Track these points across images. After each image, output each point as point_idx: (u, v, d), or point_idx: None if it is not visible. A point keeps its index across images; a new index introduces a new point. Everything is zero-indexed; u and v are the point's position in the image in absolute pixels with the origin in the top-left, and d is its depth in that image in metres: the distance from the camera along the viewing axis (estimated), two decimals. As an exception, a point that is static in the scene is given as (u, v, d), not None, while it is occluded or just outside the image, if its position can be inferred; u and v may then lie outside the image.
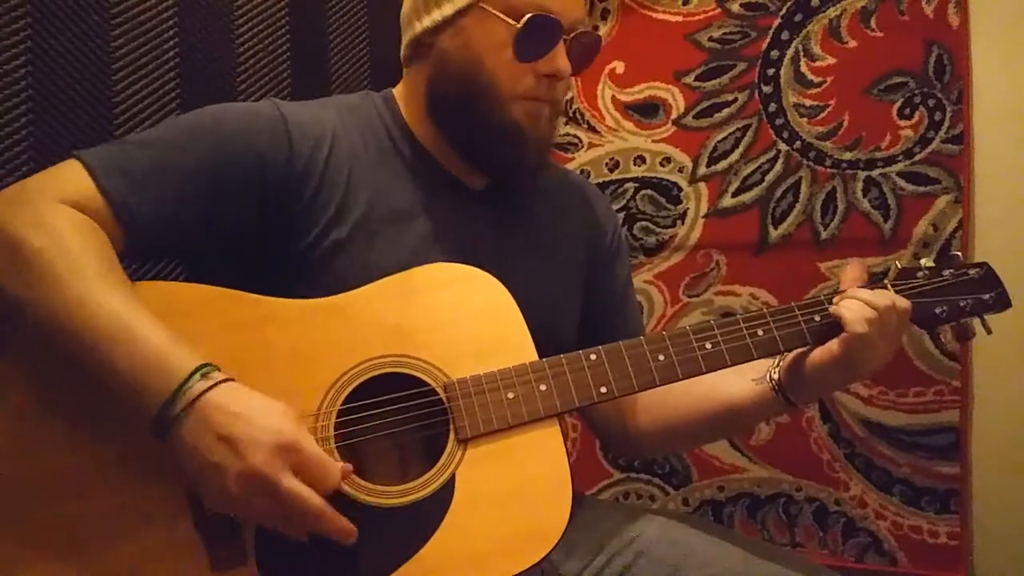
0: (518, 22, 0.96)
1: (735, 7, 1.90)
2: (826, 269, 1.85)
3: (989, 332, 1.04)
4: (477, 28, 0.98)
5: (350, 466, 0.81)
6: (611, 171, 1.99)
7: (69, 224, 0.82)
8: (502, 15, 0.96)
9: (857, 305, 0.96)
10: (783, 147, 1.87)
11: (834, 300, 0.99)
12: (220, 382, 0.78)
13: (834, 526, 1.87)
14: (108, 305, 0.79)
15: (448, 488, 0.87)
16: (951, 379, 1.77)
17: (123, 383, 0.77)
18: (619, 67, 1.97)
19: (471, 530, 0.86)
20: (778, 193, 1.88)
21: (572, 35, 1.00)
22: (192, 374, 0.77)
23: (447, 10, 0.99)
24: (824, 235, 1.85)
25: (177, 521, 0.82)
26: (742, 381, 1.06)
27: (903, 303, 0.98)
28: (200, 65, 1.32)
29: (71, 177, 0.86)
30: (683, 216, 1.95)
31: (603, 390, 0.93)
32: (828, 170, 1.85)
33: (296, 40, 1.51)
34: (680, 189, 1.95)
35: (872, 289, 0.99)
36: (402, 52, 1.08)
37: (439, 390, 0.89)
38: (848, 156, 1.83)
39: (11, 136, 1.04)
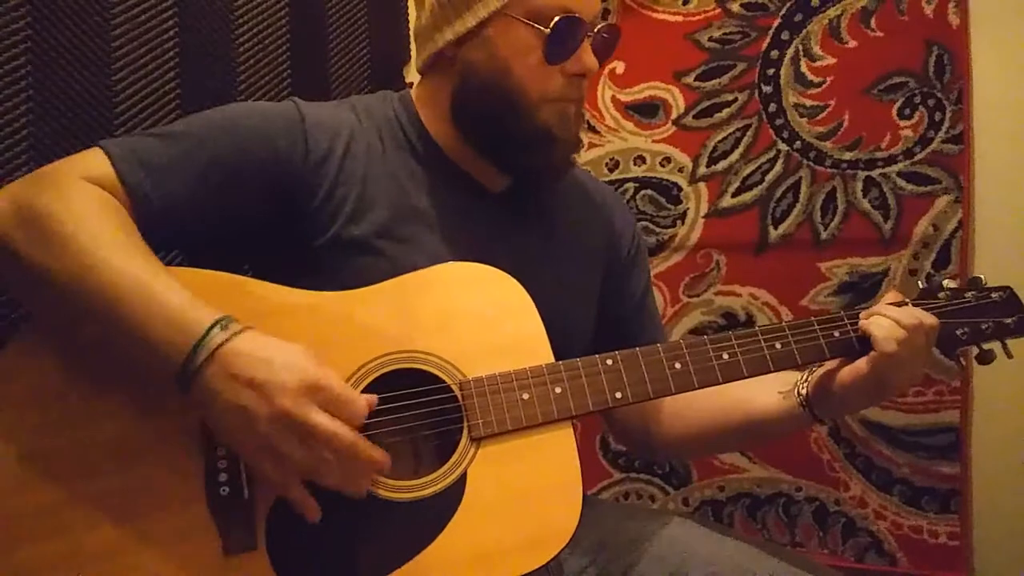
0: (546, 26, 0.96)
1: (735, 7, 1.90)
2: (826, 269, 1.85)
3: (1010, 356, 1.03)
4: (502, 37, 0.98)
5: (375, 397, 0.82)
6: (611, 171, 1.99)
7: (92, 198, 0.85)
8: (528, 21, 0.97)
9: (887, 323, 0.96)
10: (783, 147, 1.88)
11: (862, 315, 0.99)
12: (240, 331, 0.79)
13: (834, 526, 1.87)
14: (128, 268, 0.80)
15: (459, 486, 0.87)
16: (951, 379, 1.77)
17: (144, 341, 0.78)
18: (619, 67, 1.97)
19: (480, 528, 0.86)
20: (778, 193, 1.88)
21: (594, 31, 1.01)
22: (212, 326, 0.78)
23: (470, 21, 0.98)
24: (824, 235, 1.85)
25: (191, 504, 0.82)
26: (769, 394, 1.06)
27: (931, 320, 0.98)
28: (200, 65, 1.31)
29: (93, 162, 0.89)
30: (683, 216, 1.95)
31: (618, 395, 0.93)
32: (828, 170, 1.85)
33: (296, 40, 1.50)
34: (680, 189, 1.95)
35: (900, 307, 0.99)
36: (419, 64, 1.08)
37: (454, 388, 0.90)
38: (848, 156, 1.83)
39: (11, 136, 1.04)
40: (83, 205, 0.83)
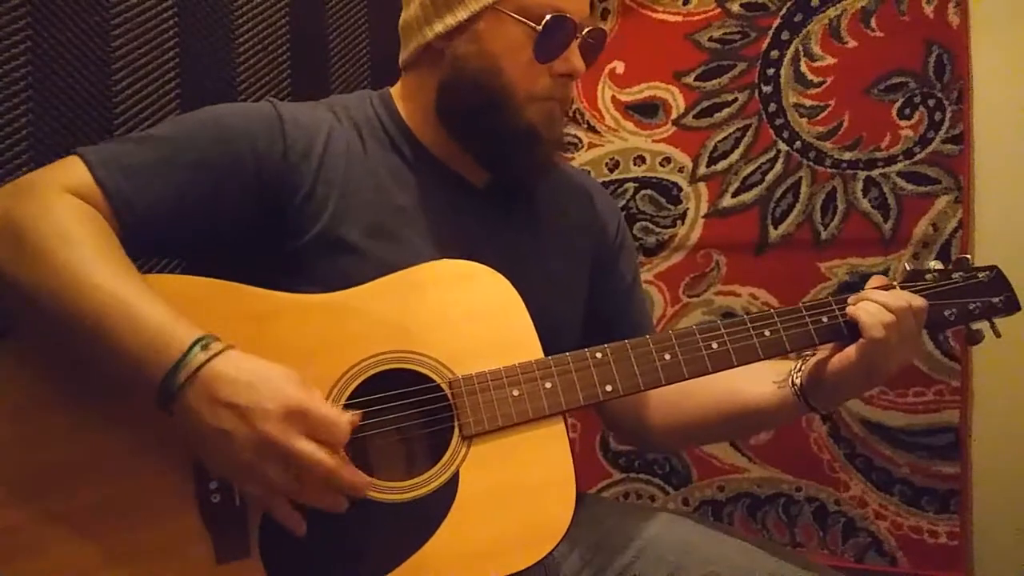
0: (537, 24, 0.96)
1: (735, 7, 1.90)
2: (826, 269, 1.85)
3: (998, 335, 1.04)
4: (493, 32, 0.98)
5: (358, 414, 0.81)
6: (611, 171, 1.99)
7: (72, 211, 0.83)
8: (519, 17, 0.97)
9: (874, 308, 0.96)
10: (783, 147, 1.88)
11: (850, 300, 0.99)
12: (220, 352, 0.78)
13: (834, 526, 1.87)
14: (109, 285, 0.79)
15: (452, 485, 0.87)
16: (951, 379, 1.77)
17: (125, 359, 0.78)
18: (619, 67, 1.97)
19: (474, 527, 0.86)
20: (778, 193, 1.88)
21: (583, 33, 1.01)
22: (192, 346, 0.77)
23: (461, 15, 0.98)
24: (824, 235, 1.85)
25: (183, 512, 0.82)
26: (764, 384, 1.06)
27: (919, 302, 0.98)
28: (200, 65, 1.32)
29: (72, 171, 0.87)
30: (683, 216, 1.95)
31: (608, 388, 0.93)
32: (828, 170, 1.85)
33: (296, 40, 1.51)
34: (680, 189, 1.95)
35: (887, 290, 0.99)
36: (403, 57, 1.07)
37: (444, 387, 0.89)
38: (848, 156, 1.83)
39: (11, 136, 1.04)
40: (64, 219, 0.82)
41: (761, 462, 1.91)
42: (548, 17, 0.96)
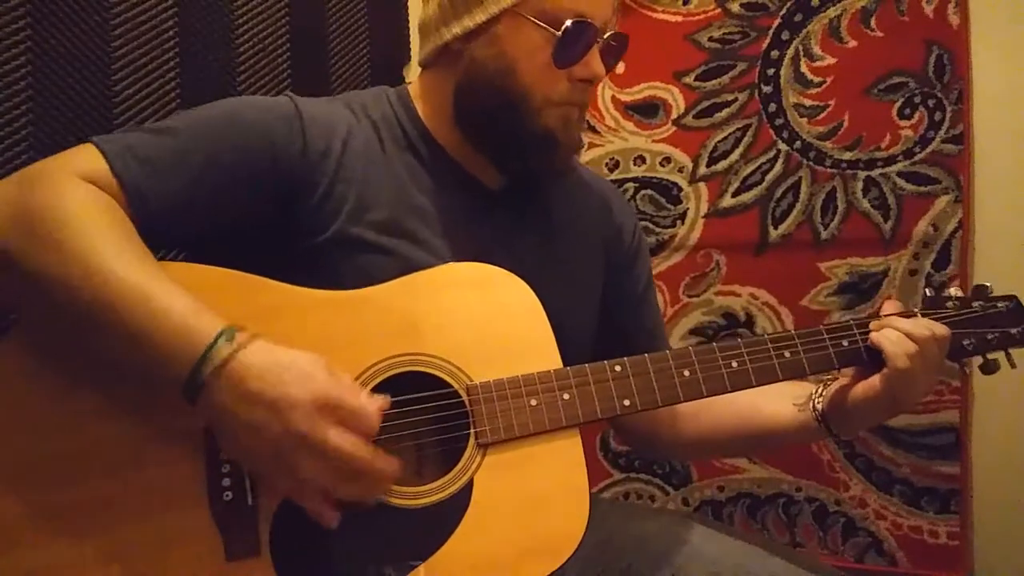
0: (556, 28, 0.95)
1: (735, 7, 1.90)
2: (826, 269, 1.85)
3: (1014, 366, 1.03)
4: (511, 35, 0.96)
5: (387, 400, 0.80)
6: (611, 171, 1.99)
7: (89, 199, 0.81)
8: (539, 22, 0.95)
9: (897, 336, 0.95)
10: (783, 147, 1.87)
11: (871, 327, 0.99)
12: (247, 343, 0.77)
13: (834, 526, 1.87)
14: (130, 276, 0.77)
15: (466, 493, 0.86)
16: (951, 379, 1.77)
17: (147, 351, 0.76)
18: (619, 67, 1.96)
19: (486, 536, 0.85)
20: (778, 193, 1.88)
21: (605, 37, 0.99)
22: (217, 338, 0.76)
23: (479, 17, 0.97)
24: (824, 235, 1.85)
25: (194, 509, 0.81)
26: (785, 405, 1.06)
27: (942, 331, 0.97)
28: (200, 65, 1.31)
29: (86, 159, 0.85)
30: (683, 216, 1.95)
31: (626, 403, 0.93)
32: (828, 170, 1.85)
33: (296, 40, 1.50)
34: (680, 189, 1.95)
35: (910, 317, 0.99)
36: (421, 56, 1.06)
37: (461, 392, 0.88)
38: (848, 156, 1.83)
39: (11, 136, 1.03)
40: (80, 206, 0.80)
41: (761, 462, 1.91)
42: (568, 23, 0.94)
